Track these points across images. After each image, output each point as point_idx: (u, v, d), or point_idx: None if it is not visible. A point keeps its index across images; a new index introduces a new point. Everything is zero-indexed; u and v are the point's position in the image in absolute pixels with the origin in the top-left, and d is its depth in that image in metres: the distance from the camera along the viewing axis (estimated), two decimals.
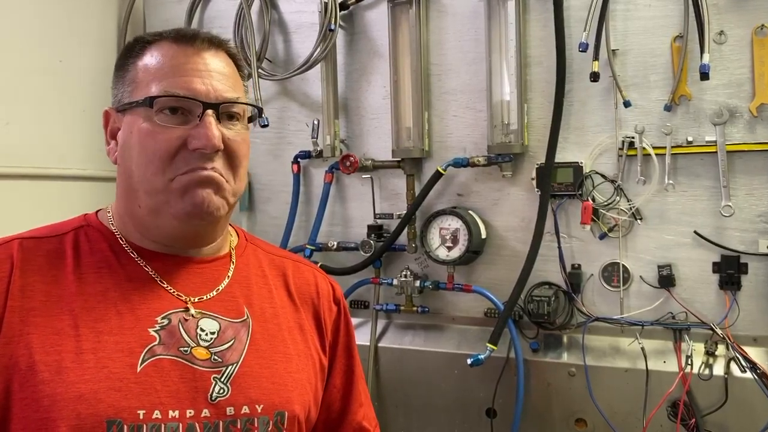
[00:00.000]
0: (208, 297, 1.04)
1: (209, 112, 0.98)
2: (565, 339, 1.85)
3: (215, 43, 1.04)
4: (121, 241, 1.03)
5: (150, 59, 1.01)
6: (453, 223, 1.89)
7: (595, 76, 1.73)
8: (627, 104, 1.73)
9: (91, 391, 0.89)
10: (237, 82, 1.05)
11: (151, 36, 1.04)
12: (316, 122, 2.10)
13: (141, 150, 0.98)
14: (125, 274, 1.00)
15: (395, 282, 1.99)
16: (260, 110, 1.09)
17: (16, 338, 0.90)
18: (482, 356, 1.74)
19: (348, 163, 2.03)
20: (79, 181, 2.10)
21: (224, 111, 1.01)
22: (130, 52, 1.04)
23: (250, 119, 1.08)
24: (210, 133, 0.96)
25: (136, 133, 0.98)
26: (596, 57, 1.73)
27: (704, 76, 1.62)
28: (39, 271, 0.96)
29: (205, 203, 0.98)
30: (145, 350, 0.94)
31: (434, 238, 1.92)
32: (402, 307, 2.01)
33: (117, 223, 1.05)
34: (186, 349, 0.97)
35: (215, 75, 1.01)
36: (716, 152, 1.66)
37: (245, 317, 1.05)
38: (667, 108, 1.71)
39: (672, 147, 1.71)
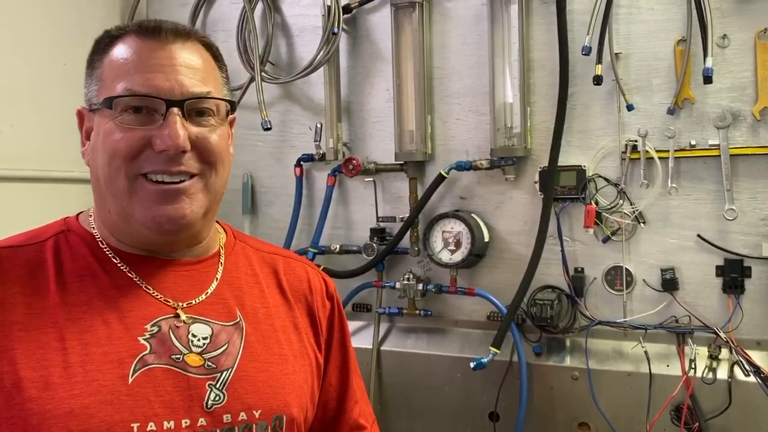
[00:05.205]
0: (198, 301, 0.99)
1: (173, 110, 0.91)
2: (568, 342, 1.85)
3: (182, 34, 0.97)
4: (101, 246, 0.98)
5: (114, 55, 0.95)
6: (456, 227, 1.89)
7: (598, 80, 1.73)
8: (630, 108, 1.73)
9: (81, 407, 0.85)
10: (209, 74, 0.98)
11: (117, 30, 0.98)
12: (318, 125, 2.10)
13: (104, 150, 0.93)
14: (110, 282, 0.95)
15: (398, 285, 1.99)
16: (233, 105, 1.02)
17: None
18: (485, 360, 1.74)
19: (351, 166, 2.03)
20: (81, 184, 2.09)
21: (192, 107, 0.94)
22: (98, 47, 0.99)
23: (229, 111, 1.02)
24: (173, 133, 0.90)
25: (102, 134, 0.93)
26: (599, 60, 1.73)
27: (707, 79, 1.62)
28: (18, 282, 0.91)
29: (175, 216, 0.93)
30: (136, 360, 0.90)
31: (437, 242, 1.92)
32: (405, 311, 2.01)
33: (97, 227, 1.01)
34: (178, 356, 0.93)
35: (181, 69, 0.94)
36: (719, 156, 1.66)
37: (237, 320, 1.01)
38: (671, 111, 1.71)
39: (675, 150, 1.71)
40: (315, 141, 2.10)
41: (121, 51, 0.95)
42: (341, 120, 2.11)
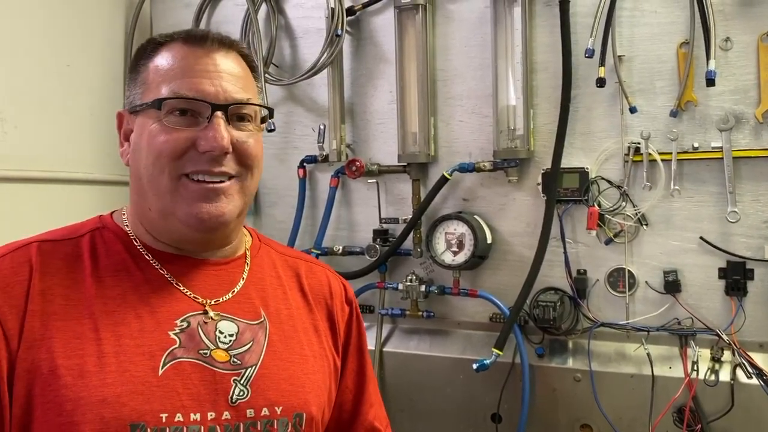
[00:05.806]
0: (225, 299, 1.04)
1: (218, 113, 0.97)
2: (570, 344, 1.85)
3: (226, 44, 1.03)
4: (135, 243, 1.03)
5: (160, 61, 1.01)
6: (459, 228, 1.90)
7: (601, 82, 1.73)
8: (633, 110, 1.73)
9: (114, 395, 0.89)
10: (248, 82, 1.04)
11: (162, 37, 1.04)
12: (322, 127, 2.11)
13: (149, 150, 0.98)
14: (143, 278, 1.00)
15: (401, 286, 1.99)
16: (271, 111, 1.09)
17: (38, 343, 0.90)
18: (488, 361, 1.75)
19: (354, 168, 2.04)
20: (85, 185, 2.11)
21: (234, 112, 1.00)
22: (142, 53, 1.04)
23: (264, 120, 1.08)
24: (218, 135, 0.96)
25: (146, 134, 0.98)
26: (602, 63, 1.73)
27: (710, 82, 1.62)
28: (58, 275, 0.96)
29: (216, 213, 0.98)
30: (166, 353, 0.94)
31: (440, 243, 1.92)
32: (407, 312, 2.01)
33: (131, 225, 1.05)
34: (206, 351, 0.97)
35: (225, 76, 1.00)
36: (722, 158, 1.66)
37: (262, 319, 1.05)
38: (673, 114, 1.71)
39: (678, 153, 1.71)
40: (318, 142, 2.11)
41: (167, 57, 1.01)
42: (344, 121, 2.12)
